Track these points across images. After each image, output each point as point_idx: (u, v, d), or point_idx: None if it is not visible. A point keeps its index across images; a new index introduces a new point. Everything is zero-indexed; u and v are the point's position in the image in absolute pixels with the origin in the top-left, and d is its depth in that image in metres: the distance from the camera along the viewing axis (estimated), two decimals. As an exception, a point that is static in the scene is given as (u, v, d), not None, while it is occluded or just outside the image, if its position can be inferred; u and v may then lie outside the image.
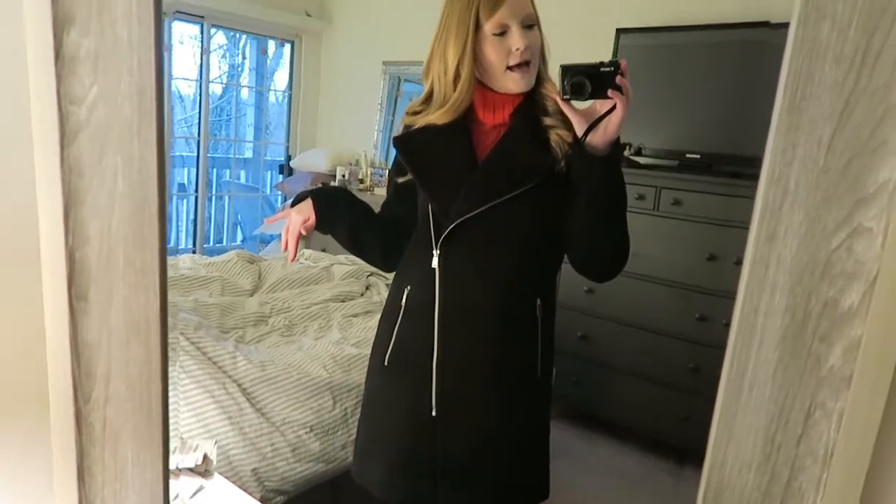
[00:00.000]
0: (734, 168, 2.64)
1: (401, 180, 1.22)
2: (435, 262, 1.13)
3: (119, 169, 0.65)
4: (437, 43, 1.15)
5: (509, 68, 1.11)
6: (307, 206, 1.20)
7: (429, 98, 1.19)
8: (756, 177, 0.57)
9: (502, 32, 1.10)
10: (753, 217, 0.58)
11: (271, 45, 4.94)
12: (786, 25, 0.56)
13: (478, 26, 1.10)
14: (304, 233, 1.18)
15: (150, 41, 0.61)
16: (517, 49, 1.09)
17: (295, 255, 1.20)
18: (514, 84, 1.13)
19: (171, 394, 0.66)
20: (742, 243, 0.57)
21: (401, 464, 1.19)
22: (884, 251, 0.54)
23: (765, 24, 2.52)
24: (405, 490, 1.20)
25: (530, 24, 1.11)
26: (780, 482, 0.61)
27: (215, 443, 1.32)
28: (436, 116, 1.15)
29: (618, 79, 1.01)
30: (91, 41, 0.62)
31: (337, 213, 1.22)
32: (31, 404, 0.73)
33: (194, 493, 1.14)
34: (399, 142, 1.22)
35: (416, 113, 1.21)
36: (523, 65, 1.11)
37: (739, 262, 0.58)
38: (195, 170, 4.60)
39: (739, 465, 0.62)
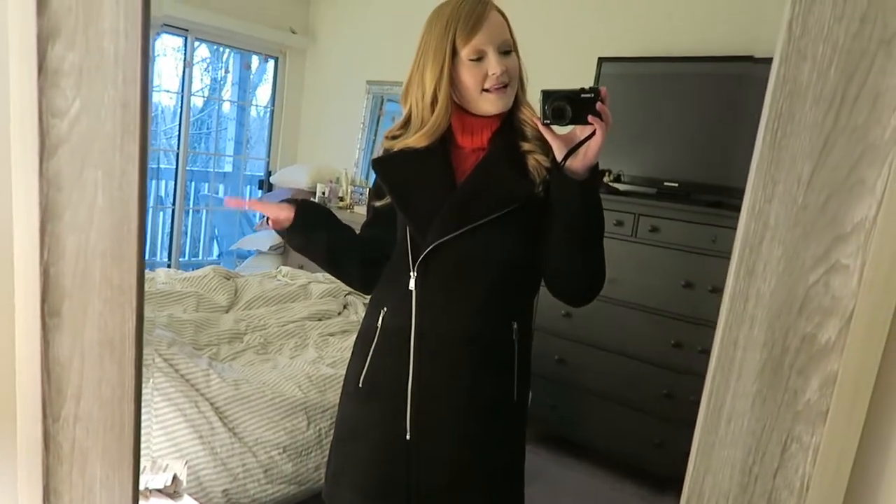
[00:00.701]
0: (712, 197, 2.68)
1: (378, 204, 1.22)
2: (412, 285, 1.13)
3: (99, 183, 0.64)
4: (416, 68, 1.16)
5: (485, 90, 1.13)
6: (289, 206, 1.20)
7: (408, 122, 1.20)
8: (733, 206, 0.58)
9: (479, 58, 1.11)
10: (734, 251, 0.59)
11: (255, 60, 4.94)
12: (769, 60, 0.57)
13: (455, 52, 1.11)
14: (270, 220, 1.21)
15: (136, 56, 0.61)
16: (493, 73, 1.11)
17: (241, 205, 1.23)
18: (489, 105, 1.14)
19: (143, 413, 0.65)
20: (718, 271, 0.58)
21: (374, 489, 1.18)
22: (860, 288, 0.55)
23: (748, 59, 2.58)
24: None
25: (507, 49, 1.13)
26: (757, 515, 0.61)
27: (186, 463, 1.29)
28: (414, 140, 1.16)
29: (598, 105, 1.03)
30: (76, 55, 0.61)
31: (316, 223, 1.22)
32: (-3, 422, 0.71)
33: (162, 515, 1.11)
34: (378, 164, 1.22)
35: (394, 137, 1.21)
36: (500, 88, 1.12)
37: (715, 290, 0.58)
38: (173, 182, 4.56)
39: (717, 497, 0.62)
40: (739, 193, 0.58)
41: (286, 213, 1.19)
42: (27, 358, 0.67)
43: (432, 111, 1.14)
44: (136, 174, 0.63)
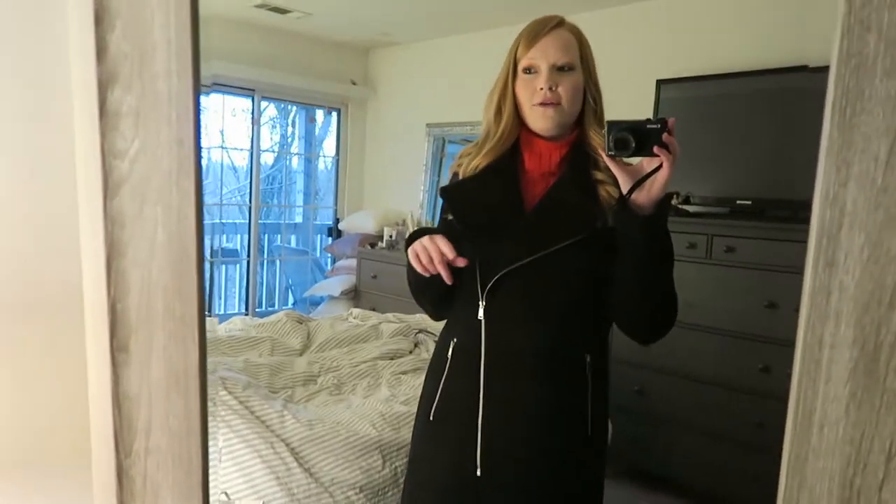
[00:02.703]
0: (787, 212, 2.56)
1: (450, 217, 1.20)
2: (481, 314, 1.11)
3: (159, 219, 0.66)
4: (496, 81, 1.19)
5: (534, 105, 1.13)
6: (439, 235, 1.10)
7: (480, 141, 1.21)
8: (809, 220, 0.54)
9: (532, 71, 1.13)
10: (810, 243, 0.55)
11: (319, 113, 5.12)
12: (825, 69, 0.53)
13: (516, 64, 1.14)
14: (450, 257, 1.07)
15: (188, 94, 0.63)
16: (540, 88, 1.11)
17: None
18: (537, 121, 1.14)
19: (211, 447, 0.65)
20: (800, 289, 0.53)
21: None
22: (958, 272, 0.50)
23: (803, 69, 2.48)
24: None
25: (564, 66, 1.12)
26: (863, 534, 0.55)
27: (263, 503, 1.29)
28: (481, 156, 1.16)
29: (664, 136, 0.99)
30: (133, 97, 0.64)
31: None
32: (73, 459, 0.73)
33: (239, 556, 1.11)
34: (445, 192, 1.22)
35: (465, 156, 1.21)
36: (547, 104, 1.11)
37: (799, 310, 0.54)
38: (247, 236, 4.73)
39: (815, 515, 0.57)
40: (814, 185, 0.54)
41: (449, 280, 1.10)
42: (99, 394, 0.69)
43: (497, 124, 1.15)
44: (192, 209, 0.65)
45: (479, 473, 1.10)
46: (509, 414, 1.11)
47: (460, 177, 1.21)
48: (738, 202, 2.75)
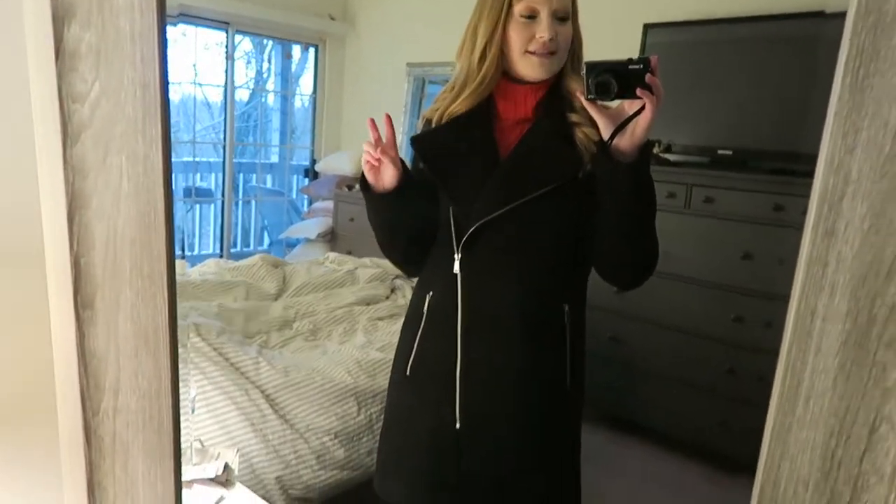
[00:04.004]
0: (769, 164, 2.55)
1: (422, 166, 1.17)
2: (457, 267, 1.08)
3: (124, 168, 0.61)
4: (472, 21, 1.12)
5: (528, 52, 1.07)
6: (395, 163, 1.11)
7: (453, 87, 1.15)
8: (794, 172, 0.51)
9: (531, 16, 1.06)
10: (809, 210, 0.53)
11: (296, 49, 4.95)
12: (842, 15, 0.50)
13: (510, 6, 1.06)
14: (382, 154, 1.09)
15: (153, 33, 0.58)
16: (541, 37, 1.05)
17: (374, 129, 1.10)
18: (529, 69, 1.08)
19: (183, 394, 0.63)
20: (779, 241, 0.52)
21: (424, 478, 1.15)
22: (960, 246, 0.48)
23: (818, 14, 2.41)
24: None
25: (563, 16, 1.06)
26: (841, 502, 0.55)
27: (237, 451, 1.29)
28: (458, 103, 1.11)
29: (647, 77, 0.94)
30: (92, 35, 0.59)
31: (414, 187, 1.15)
32: (39, 415, 0.70)
33: (215, 504, 1.11)
34: (417, 141, 1.17)
35: (440, 101, 1.16)
36: (545, 53, 1.06)
37: (779, 262, 0.52)
38: (222, 175, 4.63)
39: (794, 484, 0.57)
40: (800, 158, 0.52)
41: (393, 171, 1.11)
42: (64, 352, 0.66)
43: (479, 68, 1.09)
44: (160, 158, 0.61)
45: (458, 426, 1.10)
46: (488, 367, 1.10)
47: (433, 125, 1.16)
48: (720, 152, 2.74)
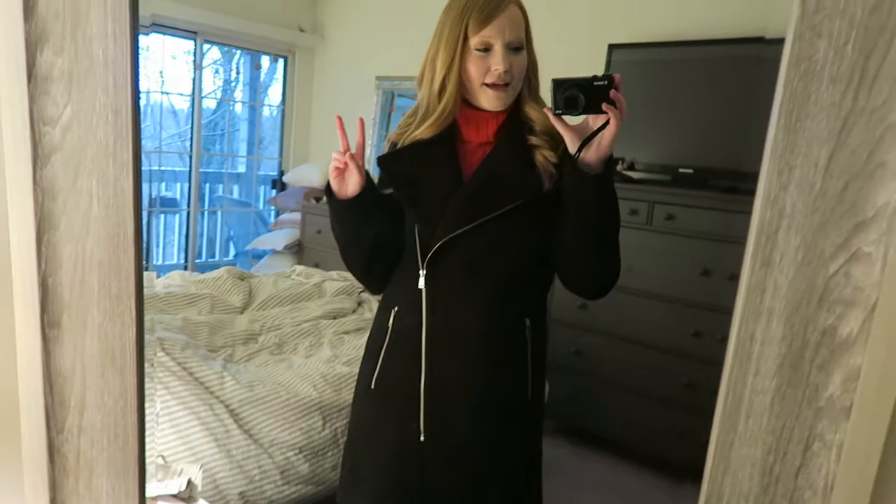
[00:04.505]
0: (728, 183, 2.63)
1: (386, 191, 1.20)
2: (421, 283, 1.11)
3: (94, 191, 0.63)
4: (430, 52, 1.14)
5: (485, 84, 1.10)
6: (360, 170, 1.14)
7: (416, 112, 1.18)
8: (750, 192, 0.55)
9: (485, 49, 1.09)
10: (749, 241, 0.57)
11: (265, 60, 4.94)
12: (781, 41, 0.54)
13: (466, 39, 1.09)
14: (349, 159, 1.12)
15: (126, 60, 0.60)
16: (496, 69, 1.09)
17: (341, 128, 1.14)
18: (487, 101, 1.12)
19: (147, 409, 0.64)
20: (736, 258, 0.55)
21: (388, 492, 1.16)
22: (883, 277, 0.52)
23: (759, 40, 2.52)
24: None
25: (517, 46, 1.10)
26: (780, 516, 0.58)
27: (201, 467, 1.29)
28: (421, 130, 1.14)
29: (612, 93, 0.99)
30: (65, 60, 0.60)
31: (376, 198, 1.17)
32: (1, 433, 0.70)
33: (177, 521, 1.11)
34: (383, 161, 1.20)
35: (405, 126, 1.19)
36: (500, 85, 1.10)
37: (734, 277, 0.56)
38: (188, 185, 4.58)
39: (737, 498, 0.60)
40: (755, 178, 0.56)
41: (358, 178, 1.13)
42: (29, 370, 0.66)
43: (440, 100, 1.12)
44: (130, 182, 0.62)
45: (422, 439, 1.12)
46: (452, 381, 1.12)
47: (398, 145, 1.19)
48: (681, 170, 2.82)
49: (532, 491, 1.21)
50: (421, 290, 1.11)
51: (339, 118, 1.13)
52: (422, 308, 1.11)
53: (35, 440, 0.68)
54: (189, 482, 1.18)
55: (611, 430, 2.85)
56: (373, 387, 1.18)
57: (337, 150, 1.12)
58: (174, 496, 1.17)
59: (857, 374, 0.54)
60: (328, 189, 1.16)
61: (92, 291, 0.64)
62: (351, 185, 1.13)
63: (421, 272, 1.11)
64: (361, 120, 1.14)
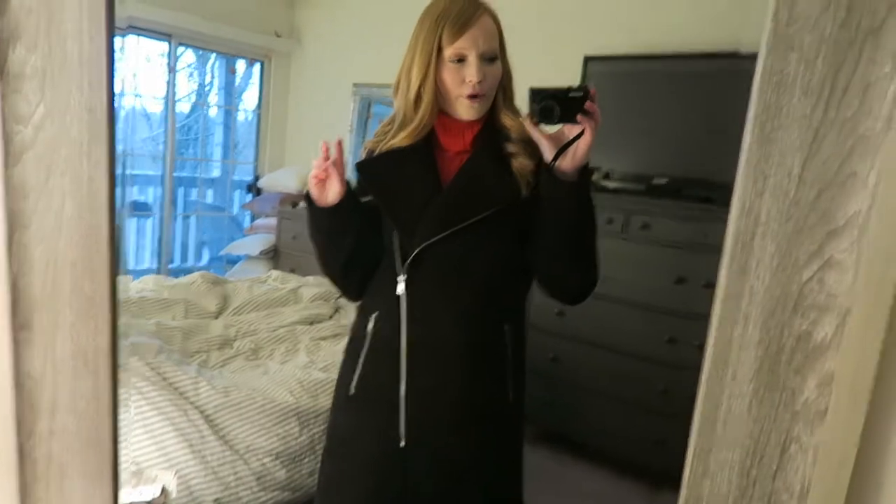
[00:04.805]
0: (702, 192, 2.67)
1: (364, 199, 1.20)
2: (401, 289, 1.11)
3: (67, 191, 0.61)
4: (405, 63, 1.14)
5: (460, 96, 1.11)
6: (341, 180, 1.14)
7: (393, 120, 1.18)
8: (724, 202, 0.56)
9: (460, 60, 1.09)
10: (725, 249, 0.57)
11: (240, 64, 4.90)
12: (755, 56, 0.55)
13: (440, 50, 1.10)
14: (331, 167, 1.12)
15: (101, 59, 0.59)
16: (470, 80, 1.09)
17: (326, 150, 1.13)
18: (464, 111, 1.13)
19: (121, 415, 0.63)
20: (710, 266, 0.56)
21: (369, 499, 1.15)
22: (855, 283, 0.54)
23: (734, 55, 2.57)
24: None
25: (491, 56, 1.11)
26: (756, 519, 0.59)
27: (175, 473, 1.27)
28: (399, 139, 1.15)
29: (587, 104, 1.01)
30: (38, 58, 0.59)
31: (355, 206, 1.17)
32: (-33, 441, 0.68)
33: (149, 530, 1.09)
34: (362, 167, 1.20)
35: (380, 137, 1.19)
36: (475, 96, 1.11)
37: (708, 286, 0.57)
38: (161, 189, 4.52)
39: (715, 501, 0.61)
40: (730, 188, 0.57)
41: (339, 187, 1.13)
42: (-3, 373, 0.65)
43: (416, 109, 1.13)
44: (104, 181, 0.61)
45: (402, 444, 1.11)
46: (432, 386, 1.12)
47: (375, 153, 1.19)
48: (655, 180, 2.85)
49: (513, 496, 1.21)
50: (400, 296, 1.11)
51: (325, 144, 1.12)
52: (401, 314, 1.11)
53: (3, 444, 0.66)
54: (163, 489, 1.16)
55: (589, 436, 2.86)
56: (352, 392, 1.17)
57: (317, 158, 1.12)
58: (148, 503, 1.15)
59: (832, 378, 0.55)
60: (308, 196, 1.16)
61: (64, 293, 0.63)
62: (331, 194, 1.13)
63: (400, 278, 1.11)
64: (339, 140, 1.14)
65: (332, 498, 1.21)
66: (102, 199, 0.61)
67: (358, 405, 1.17)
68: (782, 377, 0.56)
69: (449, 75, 1.10)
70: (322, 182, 1.13)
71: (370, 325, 1.16)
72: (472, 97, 1.10)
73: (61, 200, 0.62)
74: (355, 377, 1.16)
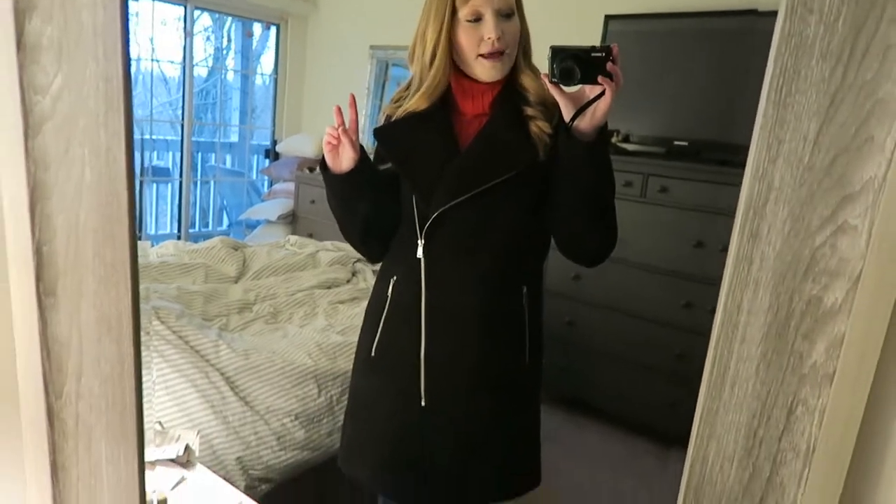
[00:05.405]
0: (722, 155, 2.63)
1: (382, 167, 1.20)
2: (420, 252, 1.12)
3: (87, 160, 0.63)
4: (420, 26, 1.14)
5: (481, 56, 1.10)
6: (354, 145, 1.14)
7: (409, 84, 1.18)
8: (743, 165, 0.56)
9: (476, 19, 1.08)
10: (738, 214, 0.57)
11: (257, 27, 4.87)
12: (773, 13, 0.54)
13: (454, 11, 1.09)
14: (343, 134, 1.12)
15: (116, 28, 0.59)
16: (488, 38, 1.08)
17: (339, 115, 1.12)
18: (483, 72, 1.12)
19: (144, 377, 0.64)
20: (729, 230, 0.57)
21: (389, 457, 1.18)
22: (868, 249, 0.53)
23: (752, 12, 2.51)
24: (394, 484, 1.20)
25: (508, 13, 1.09)
26: (762, 477, 0.60)
27: (198, 433, 1.31)
28: (414, 102, 1.14)
29: (608, 65, 0.99)
30: (54, 29, 0.60)
31: (371, 172, 1.18)
32: (1, 399, 0.71)
33: (175, 485, 1.13)
34: (380, 133, 1.20)
35: (397, 101, 1.19)
36: (495, 54, 1.09)
37: (725, 250, 0.57)
38: (179, 154, 4.55)
39: (721, 461, 0.62)
40: (748, 151, 0.56)
41: (352, 153, 1.13)
42: (26, 337, 0.67)
43: (431, 73, 1.12)
44: (122, 150, 0.62)
45: (423, 404, 1.14)
46: (451, 347, 1.14)
47: (393, 118, 1.19)
48: (676, 143, 2.81)
49: (531, 454, 1.24)
50: (419, 259, 1.12)
51: (338, 108, 1.12)
52: (420, 277, 1.12)
53: (34, 405, 0.69)
54: (187, 447, 1.20)
55: (603, 398, 2.89)
56: (373, 355, 1.19)
57: (331, 124, 1.12)
58: (172, 461, 1.19)
59: (841, 341, 0.55)
60: (323, 163, 1.16)
61: (86, 260, 0.65)
62: (345, 161, 1.13)
63: (419, 242, 1.12)
64: (352, 96, 1.14)
65: (353, 460, 1.24)
66: (121, 167, 0.63)
67: (378, 368, 1.19)
68: (791, 341, 0.57)
69: (465, 36, 1.09)
70: (335, 148, 1.13)
71: (390, 290, 1.17)
72: (493, 56, 1.09)
73: (81, 170, 0.63)
74: (376, 340, 1.19)
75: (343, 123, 1.12)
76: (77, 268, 0.65)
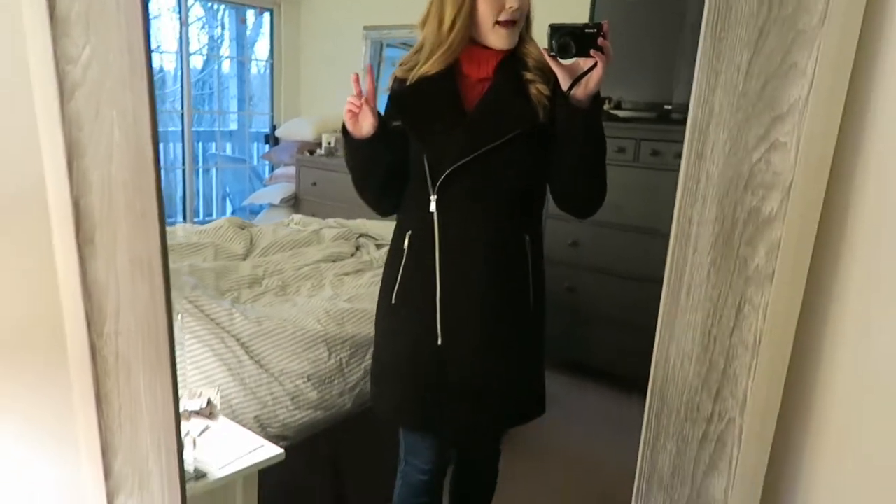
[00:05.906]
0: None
1: (395, 124, 1.29)
2: (433, 207, 1.22)
3: (115, 121, 0.71)
4: None
5: (498, 23, 1.19)
6: (373, 113, 1.23)
7: (420, 49, 1.27)
8: None
9: None
10: (686, 138, 0.66)
11: (250, 14, 4.91)
12: None
13: None
14: (365, 103, 1.21)
15: (136, 1, 0.67)
16: (510, 6, 1.18)
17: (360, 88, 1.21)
18: (499, 40, 1.21)
19: (177, 352, 0.72)
20: None
21: (412, 389, 1.31)
22: (797, 162, 0.62)
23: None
24: (416, 413, 1.32)
25: None
26: (717, 370, 0.69)
27: (218, 390, 1.40)
28: (429, 65, 1.23)
29: (599, 40, 1.11)
30: (81, 4, 0.68)
31: (388, 135, 1.27)
32: (48, 339, 0.80)
33: (202, 432, 1.23)
34: (393, 97, 1.31)
35: (408, 64, 1.28)
36: (511, 22, 1.19)
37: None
38: (181, 144, 4.62)
39: (681, 359, 0.71)
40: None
41: (372, 119, 1.22)
42: (69, 282, 0.76)
43: (448, 37, 1.21)
44: (146, 110, 0.71)
45: (440, 342, 1.25)
46: (463, 290, 1.26)
47: (407, 83, 1.28)
48: (665, 107, 2.88)
49: (537, 384, 1.37)
50: (433, 213, 1.22)
51: (356, 76, 1.21)
52: (434, 229, 1.23)
53: (79, 344, 0.78)
54: (209, 401, 1.30)
55: (603, 361, 2.98)
56: (393, 302, 1.30)
57: (351, 94, 1.21)
58: (197, 413, 1.29)
59: (778, 245, 0.64)
60: (344, 129, 1.27)
61: (119, 210, 0.73)
62: (365, 127, 1.23)
63: (432, 198, 1.22)
64: (370, 66, 1.24)
65: (380, 390, 1.37)
66: (145, 125, 0.71)
67: (400, 311, 1.31)
68: (736, 247, 0.65)
69: (486, 4, 1.18)
70: (355, 115, 1.22)
71: (406, 243, 1.28)
72: (508, 24, 1.19)
73: (111, 129, 0.72)
74: (396, 287, 1.30)
75: (361, 92, 1.21)
76: (111, 218, 0.74)
